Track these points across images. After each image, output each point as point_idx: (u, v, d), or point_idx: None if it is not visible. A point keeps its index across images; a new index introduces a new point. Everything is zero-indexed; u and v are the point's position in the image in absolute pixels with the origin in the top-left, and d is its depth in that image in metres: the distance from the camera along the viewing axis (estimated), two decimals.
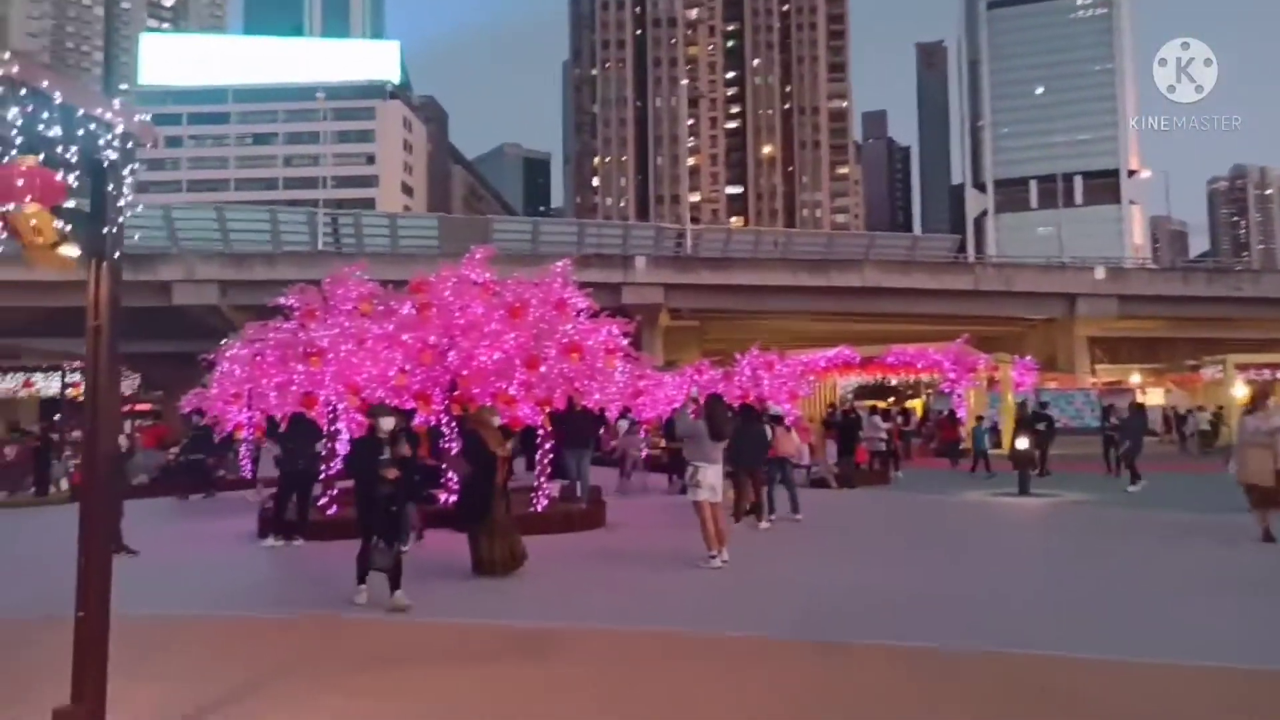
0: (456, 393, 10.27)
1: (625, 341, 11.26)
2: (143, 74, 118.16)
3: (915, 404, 33.29)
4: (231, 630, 6.76)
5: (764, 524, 11.55)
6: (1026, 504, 14.03)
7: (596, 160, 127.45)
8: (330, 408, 10.89)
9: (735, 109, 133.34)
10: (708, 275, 50.83)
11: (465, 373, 9.95)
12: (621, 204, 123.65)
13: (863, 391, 33.08)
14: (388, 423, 7.45)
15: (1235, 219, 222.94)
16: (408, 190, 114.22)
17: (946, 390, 26.08)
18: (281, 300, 11.46)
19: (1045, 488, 15.35)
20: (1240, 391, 34.17)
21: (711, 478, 9.29)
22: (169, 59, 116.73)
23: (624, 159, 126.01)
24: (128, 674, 5.44)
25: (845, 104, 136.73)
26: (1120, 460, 16.05)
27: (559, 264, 11.15)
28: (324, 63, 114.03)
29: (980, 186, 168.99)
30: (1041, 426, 17.85)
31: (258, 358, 11.61)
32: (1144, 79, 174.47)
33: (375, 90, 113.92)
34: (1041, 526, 12.35)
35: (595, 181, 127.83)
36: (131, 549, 9.83)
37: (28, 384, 28.22)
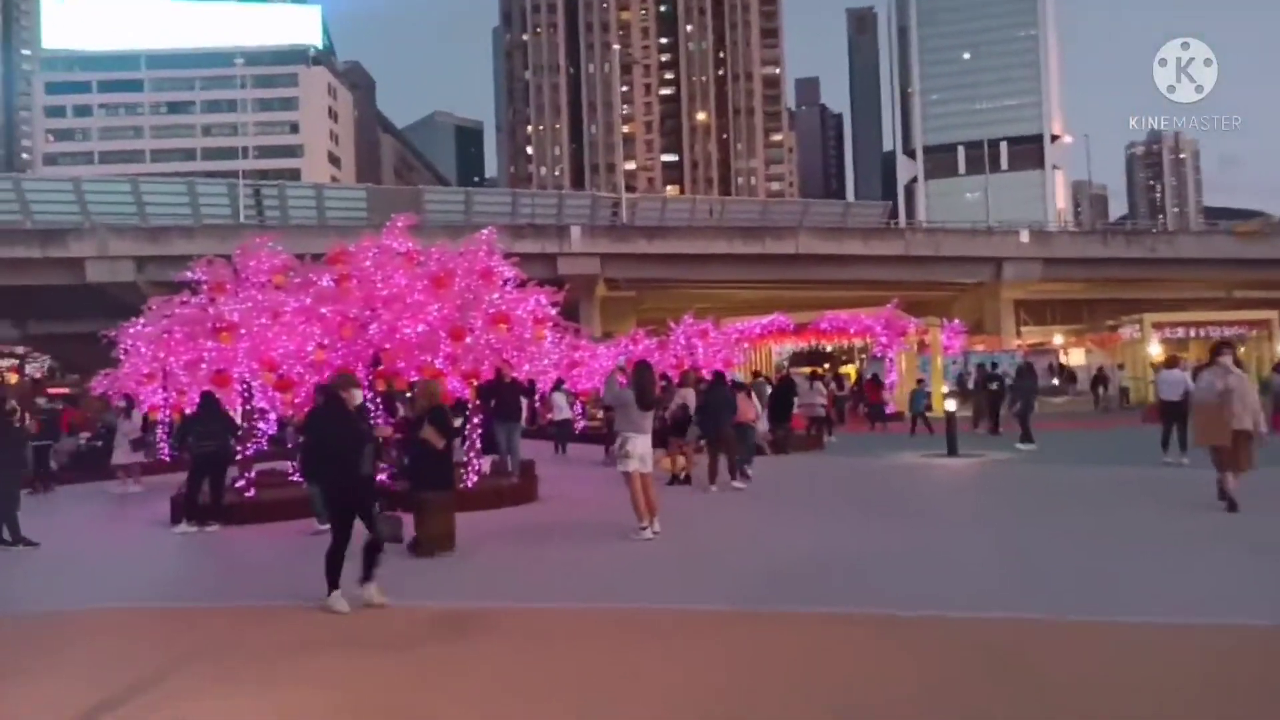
0: (380, 367, 9.89)
1: (554, 311, 11.00)
2: (46, 38, 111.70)
3: (849, 369, 33.79)
4: (137, 622, 6.40)
5: (738, 483, 11.82)
6: (955, 464, 14.29)
7: (530, 128, 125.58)
8: (245, 385, 10.40)
9: (669, 75, 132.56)
10: (644, 244, 50.61)
11: (388, 346, 9.58)
12: (556, 173, 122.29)
13: (798, 358, 33.40)
14: (358, 395, 7.01)
15: (1151, 183, 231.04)
16: (334, 160, 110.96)
17: (879, 355, 26.46)
18: (188, 274, 10.86)
19: (968, 447, 15.64)
20: (1155, 350, 35.56)
21: (641, 448, 9.11)
22: (75, 22, 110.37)
23: (558, 127, 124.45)
24: (23, 672, 5.11)
25: (779, 70, 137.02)
26: (1016, 419, 16.34)
27: (484, 231, 10.80)
28: (243, 27, 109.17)
29: (910, 153, 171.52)
30: (994, 386, 18.33)
31: (165, 335, 11.01)
32: (1066, 45, 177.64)
33: (297, 56, 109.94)
34: (973, 486, 12.57)
35: (529, 150, 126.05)
36: (30, 540, 9.30)
37: None
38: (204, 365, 10.06)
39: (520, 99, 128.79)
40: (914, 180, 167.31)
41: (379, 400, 10.19)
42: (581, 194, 80.00)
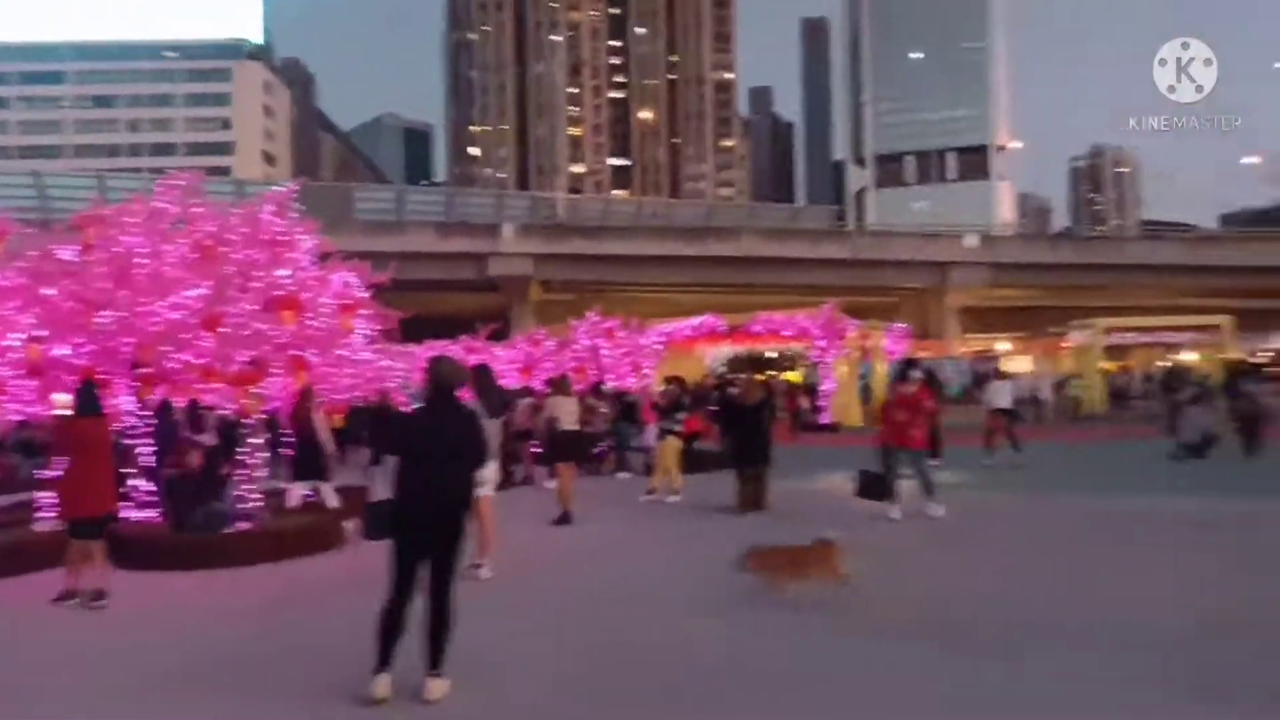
0: (142, 370, 7.51)
1: (367, 295, 8.71)
2: None
3: (792, 375, 31.93)
4: None
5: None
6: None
7: (475, 129, 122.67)
8: None
9: (619, 78, 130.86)
10: (580, 244, 48.43)
11: (131, 340, 7.19)
12: (502, 175, 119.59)
13: (738, 364, 31.45)
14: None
15: (1092, 195, 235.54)
16: (270, 159, 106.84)
17: (815, 359, 24.59)
18: None
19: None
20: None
21: (488, 470, 7.06)
22: None
23: (504, 128, 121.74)
24: None
25: (731, 76, 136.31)
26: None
27: (278, 187, 8.50)
28: (176, 18, 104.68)
29: (861, 162, 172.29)
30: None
31: None
32: (1013, 57, 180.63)
33: (232, 50, 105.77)
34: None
35: (474, 151, 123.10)
36: None
37: None
38: None
39: (466, 99, 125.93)
40: (864, 189, 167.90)
41: (148, 416, 7.80)
42: (520, 194, 77.69)
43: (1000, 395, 15.04)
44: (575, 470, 9.66)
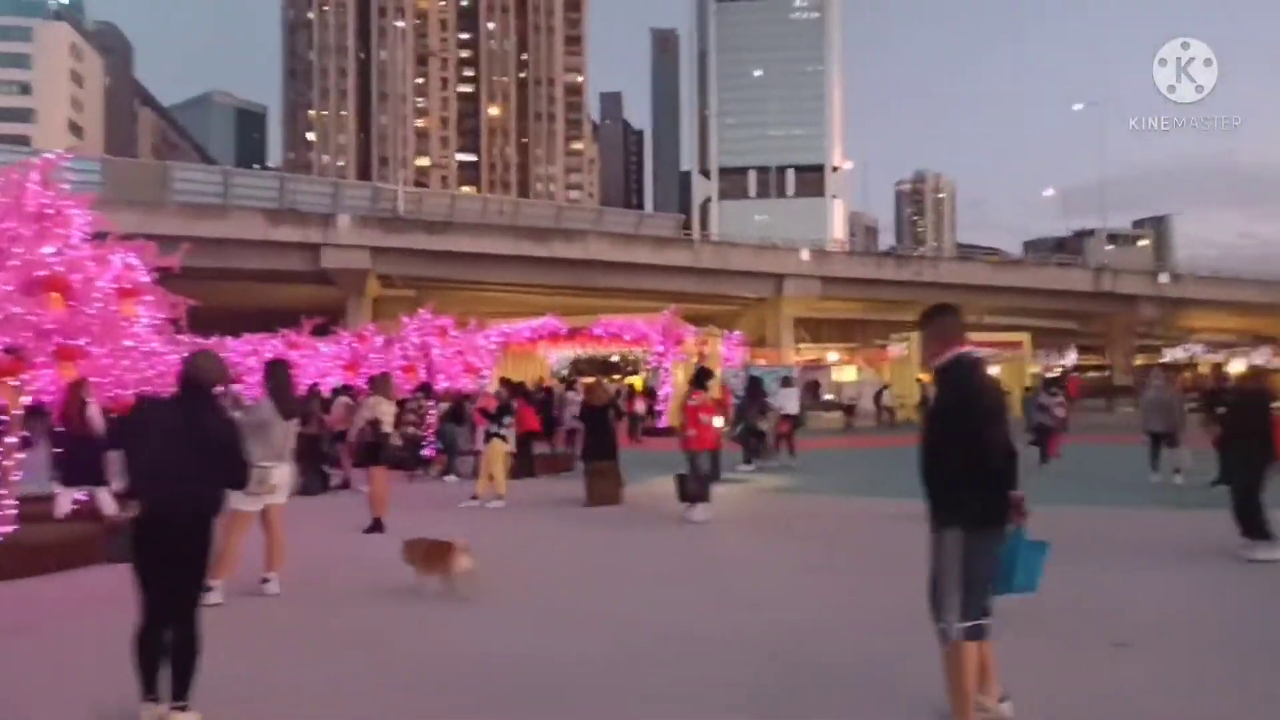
0: None
1: (152, 280, 7.88)
2: None
3: (635, 380, 32.15)
4: None
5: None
6: (724, 493, 12.42)
7: (313, 113, 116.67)
8: None
9: (468, 72, 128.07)
10: (423, 239, 46.92)
11: None
12: (341, 163, 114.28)
13: (582, 366, 31.34)
14: None
15: (915, 218, 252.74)
16: (76, 129, 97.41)
17: (653, 364, 24.85)
18: None
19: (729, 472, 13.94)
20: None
21: (282, 477, 6.59)
22: None
23: (344, 114, 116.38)
24: None
25: (581, 79, 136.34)
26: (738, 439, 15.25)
27: (45, 155, 7.54)
28: None
29: (706, 174, 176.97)
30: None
31: None
32: (849, 80, 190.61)
33: (34, 7, 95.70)
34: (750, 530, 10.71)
35: (311, 136, 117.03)
36: None
37: None
38: None
39: (303, 81, 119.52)
40: (709, 200, 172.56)
41: None
42: (360, 184, 74.53)
43: (788, 401, 15.76)
44: (387, 475, 9.12)
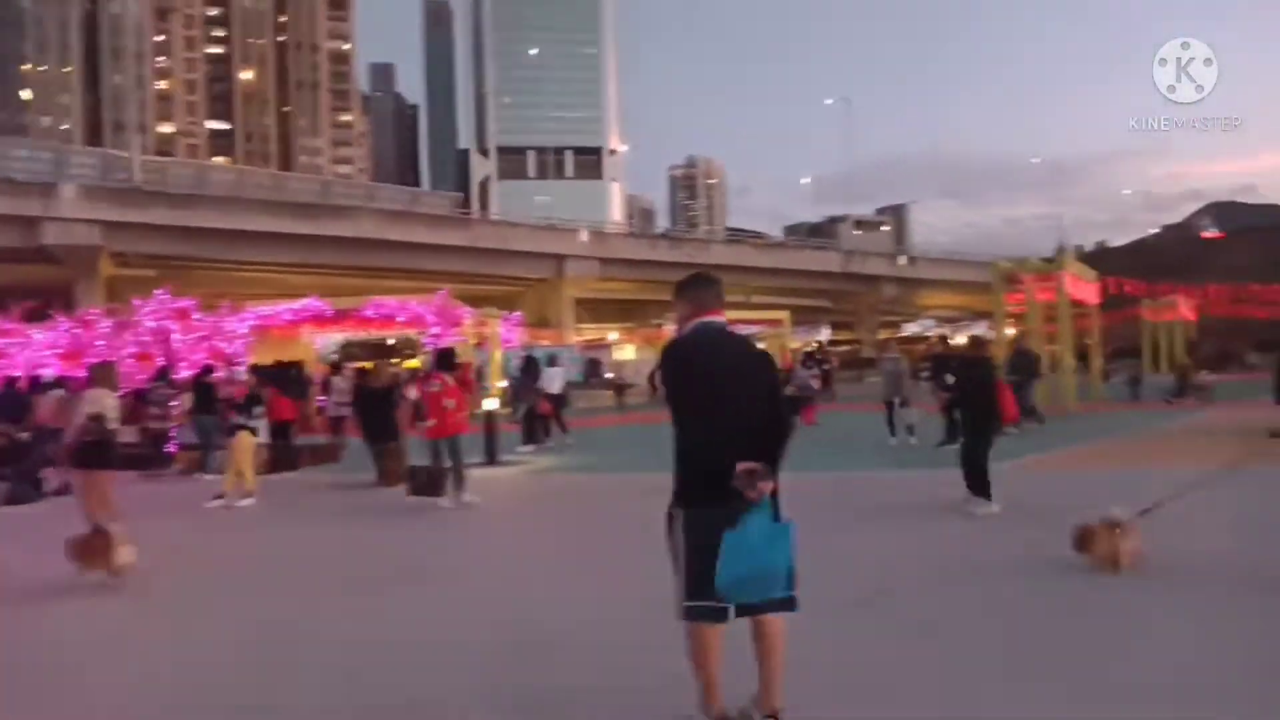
0: None
1: None
2: None
3: (413, 363, 31.02)
4: None
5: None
6: (501, 475, 12.21)
7: (29, 69, 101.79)
8: None
9: (219, 32, 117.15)
10: (166, 214, 42.50)
11: None
12: (64, 126, 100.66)
13: (354, 350, 29.77)
14: None
15: (688, 202, 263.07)
16: None
17: (429, 346, 24.01)
18: None
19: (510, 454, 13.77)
20: None
21: None
22: None
23: (67, 70, 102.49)
24: None
25: (348, 47, 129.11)
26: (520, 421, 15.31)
27: None
28: None
29: (484, 152, 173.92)
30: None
31: None
32: (624, 64, 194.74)
33: None
34: (510, 512, 10.53)
35: (26, 94, 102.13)
36: None
37: None
38: None
39: (15, 31, 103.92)
40: (487, 179, 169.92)
41: None
42: (88, 151, 66.28)
43: (553, 381, 15.51)
44: (112, 478, 8.07)
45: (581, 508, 9.75)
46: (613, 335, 56.79)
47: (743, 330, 37.45)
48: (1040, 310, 19.97)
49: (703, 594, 3.20)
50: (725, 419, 3.28)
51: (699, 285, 3.76)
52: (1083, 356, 23.69)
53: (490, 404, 12.88)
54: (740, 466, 3.13)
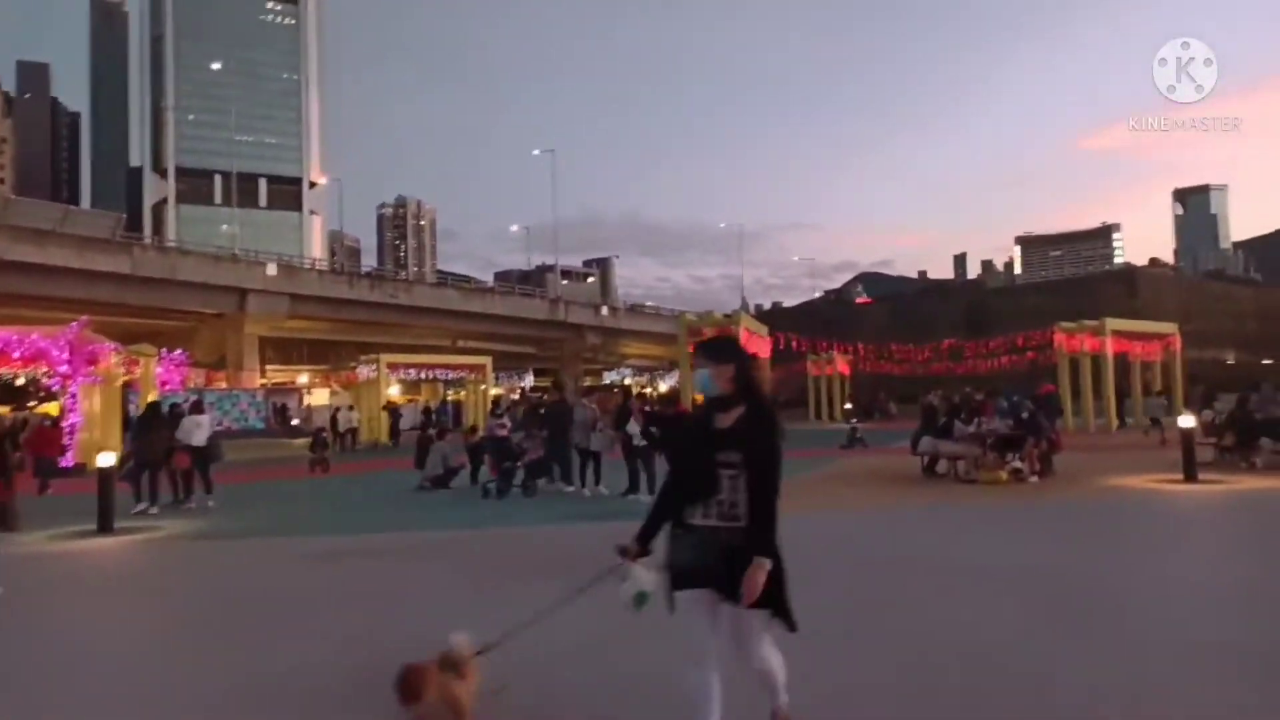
0: None
1: None
2: None
3: (49, 408, 26.12)
4: None
5: None
6: (102, 547, 10.03)
7: None
8: None
9: None
10: None
11: None
12: None
13: None
14: None
15: (398, 242, 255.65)
16: None
17: (56, 387, 20.16)
18: None
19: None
20: (394, 390, 36.39)
21: None
22: None
23: None
24: None
25: None
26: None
27: None
28: None
29: (162, 172, 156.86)
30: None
31: None
32: (330, 96, 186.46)
33: None
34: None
35: None
36: None
37: None
38: None
39: None
40: (164, 201, 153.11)
41: None
42: None
43: (194, 432, 12.90)
44: None
45: (166, 592, 7.86)
46: (303, 378, 52.67)
47: (445, 375, 35.76)
48: None
49: None
50: None
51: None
52: None
53: (105, 459, 10.66)
54: None
